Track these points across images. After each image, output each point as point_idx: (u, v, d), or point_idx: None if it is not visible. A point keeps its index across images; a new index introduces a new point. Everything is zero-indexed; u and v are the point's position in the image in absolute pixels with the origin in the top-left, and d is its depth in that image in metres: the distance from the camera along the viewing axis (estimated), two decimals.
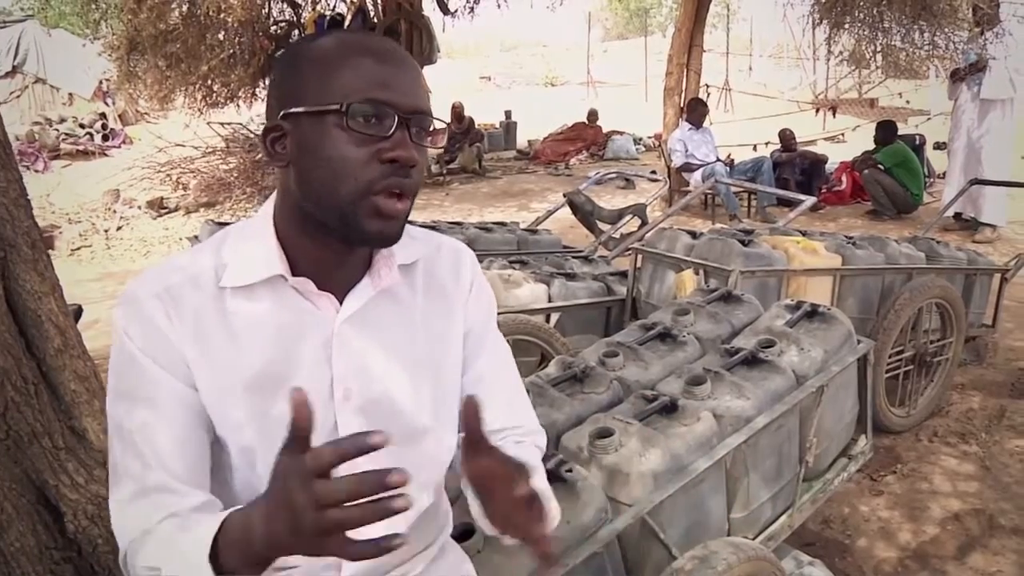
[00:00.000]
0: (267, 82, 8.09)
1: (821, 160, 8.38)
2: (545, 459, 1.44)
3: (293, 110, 0.88)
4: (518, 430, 1.13)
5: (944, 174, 7.20)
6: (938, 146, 9.31)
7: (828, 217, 7.55)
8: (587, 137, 12.39)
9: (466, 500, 1.38)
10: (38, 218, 1.71)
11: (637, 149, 12.25)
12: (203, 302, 0.92)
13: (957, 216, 6.59)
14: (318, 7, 8.43)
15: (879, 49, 7.52)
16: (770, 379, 1.85)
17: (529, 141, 12.91)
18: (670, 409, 1.71)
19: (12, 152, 1.61)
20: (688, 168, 7.64)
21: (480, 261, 1.27)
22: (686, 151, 7.65)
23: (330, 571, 1.00)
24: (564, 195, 5.29)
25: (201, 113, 8.77)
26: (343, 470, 0.68)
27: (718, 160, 7.75)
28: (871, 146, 7.61)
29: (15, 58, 13.62)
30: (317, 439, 0.95)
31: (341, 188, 0.87)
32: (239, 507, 0.80)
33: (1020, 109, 6.46)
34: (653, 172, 6.59)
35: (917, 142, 8.09)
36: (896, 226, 6.86)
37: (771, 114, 14.26)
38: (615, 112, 14.64)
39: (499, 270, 3.17)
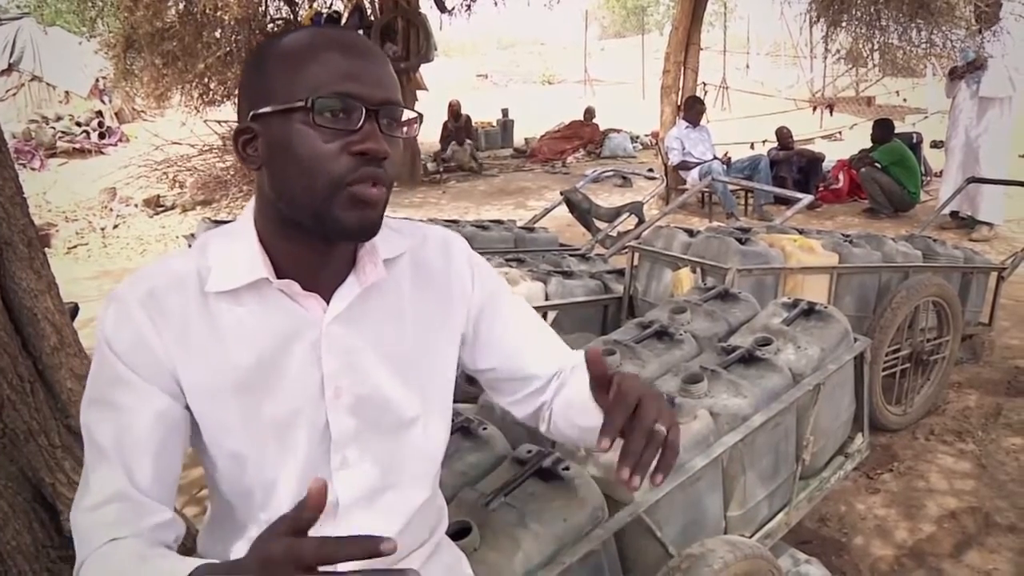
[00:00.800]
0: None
1: (818, 158, 8.38)
2: (542, 456, 1.45)
3: (261, 110, 0.87)
4: (572, 366, 1.15)
5: (941, 172, 7.20)
6: (935, 144, 9.33)
7: (825, 215, 7.55)
8: (584, 135, 12.39)
9: (460, 498, 1.39)
10: (34, 216, 1.70)
11: (634, 147, 12.25)
12: (189, 306, 0.91)
13: (954, 214, 6.60)
14: (315, 5, 8.43)
15: (876, 47, 7.53)
16: (767, 377, 1.85)
17: (526, 139, 12.91)
18: None
19: (8, 150, 1.61)
20: (685, 166, 7.64)
21: None
22: (683, 149, 7.65)
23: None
24: (561, 193, 5.28)
25: (198, 111, 8.76)
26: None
27: (715, 158, 7.74)
28: (868, 144, 7.61)
29: (11, 56, 13.55)
30: (308, 436, 0.96)
31: (313, 184, 0.86)
32: (208, 562, 0.78)
33: (1018, 107, 6.45)
34: (650, 170, 6.58)
35: (914, 140, 8.10)
36: (893, 224, 6.87)
37: (768, 112, 14.27)
38: (612, 110, 14.64)
39: (496, 268, 3.16)
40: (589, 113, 12.88)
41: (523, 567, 1.28)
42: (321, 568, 0.64)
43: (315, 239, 0.91)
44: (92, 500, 0.88)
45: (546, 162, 11.57)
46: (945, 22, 6.64)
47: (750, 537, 1.78)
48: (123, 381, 0.89)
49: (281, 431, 0.95)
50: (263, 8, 8.09)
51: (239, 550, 1.01)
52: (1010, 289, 4.36)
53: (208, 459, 0.97)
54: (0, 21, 13.71)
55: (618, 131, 12.49)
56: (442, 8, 8.95)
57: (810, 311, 2.14)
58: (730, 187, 7.36)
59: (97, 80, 13.62)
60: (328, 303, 0.96)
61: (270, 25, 8.32)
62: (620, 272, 3.48)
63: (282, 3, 8.37)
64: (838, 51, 8.39)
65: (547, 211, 5.16)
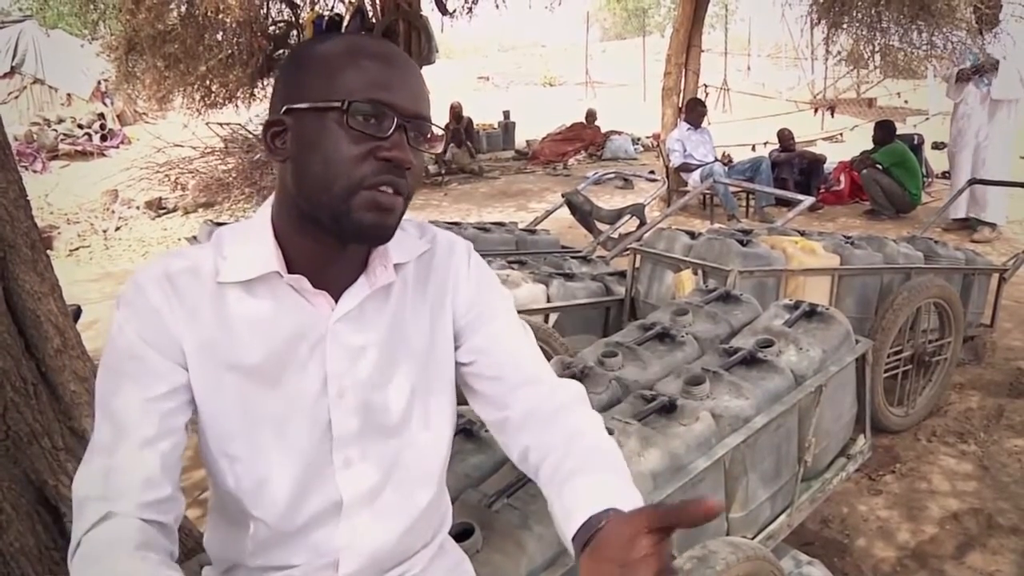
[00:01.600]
0: (266, 82, 8.10)
1: (819, 160, 8.38)
2: None
3: (296, 106, 0.89)
4: (542, 387, 1.09)
5: (943, 174, 7.18)
6: (936, 146, 9.31)
7: (826, 217, 7.55)
8: (585, 137, 12.39)
9: (462, 500, 1.39)
10: (37, 219, 1.70)
11: (635, 149, 12.24)
12: (201, 293, 0.93)
13: (962, 220, 6.54)
14: (316, 7, 8.42)
15: (877, 49, 7.51)
16: (769, 379, 1.85)
17: (527, 141, 12.90)
18: (669, 409, 1.71)
19: (11, 153, 1.61)
20: (686, 168, 7.63)
21: None
22: (684, 151, 7.65)
23: (328, 570, 1.00)
24: (562, 195, 5.29)
25: (199, 113, 8.75)
26: None
27: (716, 160, 7.74)
28: (869, 146, 7.60)
29: (13, 59, 13.59)
30: (308, 434, 0.96)
31: (334, 184, 0.88)
32: None
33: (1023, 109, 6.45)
34: (651, 172, 6.59)
35: (915, 142, 8.09)
36: (894, 226, 6.86)
37: (769, 114, 14.28)
38: (613, 112, 14.63)
39: (497, 270, 3.17)
40: (590, 115, 12.88)
41: (526, 569, 1.28)
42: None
43: (330, 237, 0.93)
44: (93, 467, 0.89)
45: (547, 164, 11.57)
46: (946, 24, 6.63)
47: (752, 539, 1.78)
48: (137, 356, 0.91)
49: (279, 425, 0.96)
50: (264, 11, 8.09)
51: (239, 550, 1.01)
52: (1012, 290, 4.36)
53: (206, 447, 0.98)
54: (2, 24, 13.75)
55: (619, 133, 12.49)
56: (443, 10, 8.94)
57: (812, 313, 2.14)
58: (731, 189, 7.35)
59: (99, 82, 13.67)
60: (336, 302, 0.97)
61: (272, 28, 8.32)
62: (622, 274, 3.48)
63: (283, 6, 8.37)
64: (839, 53, 8.36)
65: (548, 213, 5.16)
